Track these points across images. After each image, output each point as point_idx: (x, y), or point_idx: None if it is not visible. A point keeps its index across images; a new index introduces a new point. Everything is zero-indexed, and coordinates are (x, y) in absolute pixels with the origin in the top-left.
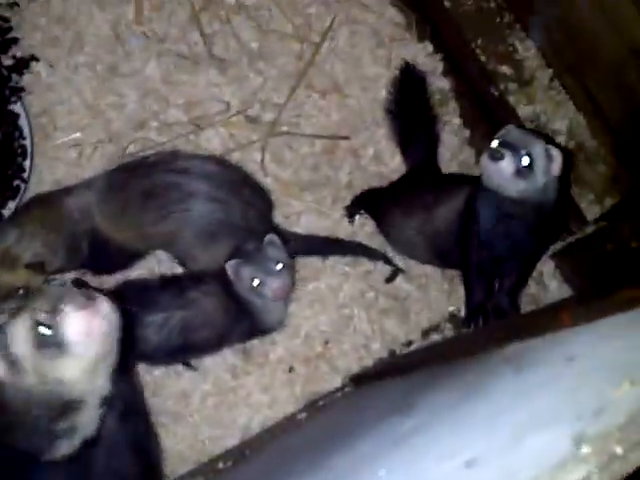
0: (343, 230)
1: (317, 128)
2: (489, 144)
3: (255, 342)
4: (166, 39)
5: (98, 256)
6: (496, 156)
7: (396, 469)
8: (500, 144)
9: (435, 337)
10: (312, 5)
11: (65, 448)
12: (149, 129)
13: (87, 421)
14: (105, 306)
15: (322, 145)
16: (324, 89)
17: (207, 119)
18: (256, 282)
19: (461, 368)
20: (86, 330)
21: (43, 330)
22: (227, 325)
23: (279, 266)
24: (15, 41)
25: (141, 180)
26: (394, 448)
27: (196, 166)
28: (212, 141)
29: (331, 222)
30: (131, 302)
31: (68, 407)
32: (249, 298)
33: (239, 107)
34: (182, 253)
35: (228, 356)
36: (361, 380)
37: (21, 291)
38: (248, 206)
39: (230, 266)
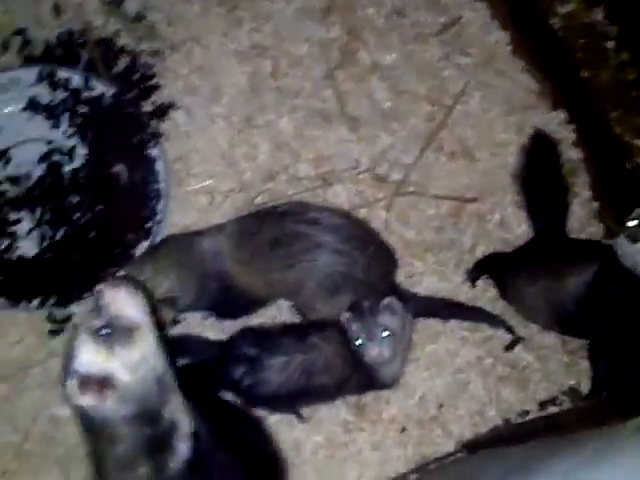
0: (464, 294)
1: (444, 190)
2: (621, 220)
3: (369, 399)
4: (300, 94)
5: (224, 299)
6: (636, 237)
7: None
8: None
9: (552, 409)
10: (446, 68)
11: None
12: (279, 181)
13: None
14: None
15: (448, 207)
16: (453, 152)
17: (336, 175)
18: (359, 342)
19: (581, 439)
20: None
21: None
22: (345, 373)
23: (385, 333)
24: (156, 88)
25: (271, 228)
26: None
27: (325, 218)
28: (339, 197)
29: (453, 285)
30: (253, 346)
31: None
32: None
33: (368, 165)
34: (304, 303)
35: (342, 411)
36: (475, 447)
37: None
38: (372, 262)
39: (343, 317)
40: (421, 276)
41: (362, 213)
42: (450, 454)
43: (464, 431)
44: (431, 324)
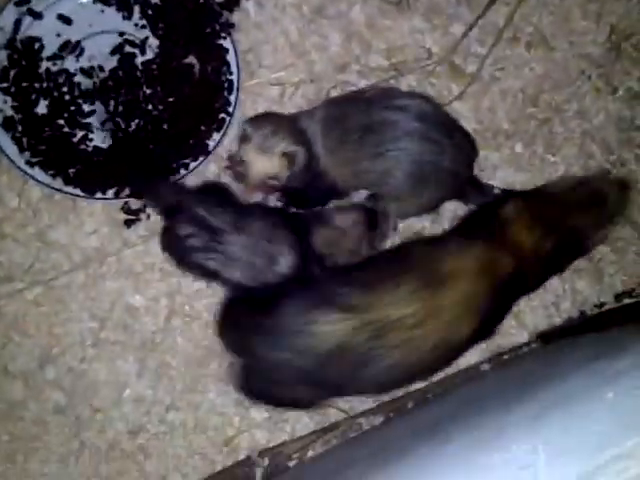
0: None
1: (520, 81)
2: None
3: None
4: None
5: (310, 185)
6: None
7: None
8: None
9: (628, 301)
10: None
11: None
12: (350, 72)
13: None
14: None
15: (523, 97)
16: (529, 41)
17: (408, 65)
18: None
19: None
20: None
21: None
22: None
23: None
24: None
25: (359, 115)
26: (612, 380)
27: (413, 105)
28: (412, 88)
29: (529, 176)
30: None
31: None
32: None
33: (441, 55)
34: (390, 193)
35: None
36: (549, 337)
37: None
38: (458, 151)
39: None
40: (495, 169)
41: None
42: (524, 344)
43: (539, 323)
44: None
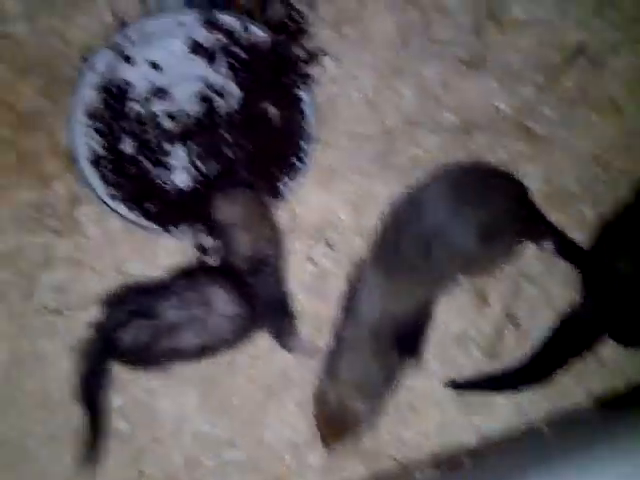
0: None
1: (589, 144)
2: None
3: None
4: (448, 43)
5: None
6: None
7: None
8: None
9: None
10: (598, 23)
11: None
12: (422, 127)
13: None
14: None
15: (591, 161)
16: (600, 106)
17: (479, 124)
18: None
19: None
20: None
21: None
22: None
23: None
24: (308, 35)
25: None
26: None
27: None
28: (482, 146)
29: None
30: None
31: None
32: None
33: (512, 116)
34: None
35: None
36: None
37: None
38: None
39: None
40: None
41: (503, 163)
42: (584, 408)
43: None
44: None
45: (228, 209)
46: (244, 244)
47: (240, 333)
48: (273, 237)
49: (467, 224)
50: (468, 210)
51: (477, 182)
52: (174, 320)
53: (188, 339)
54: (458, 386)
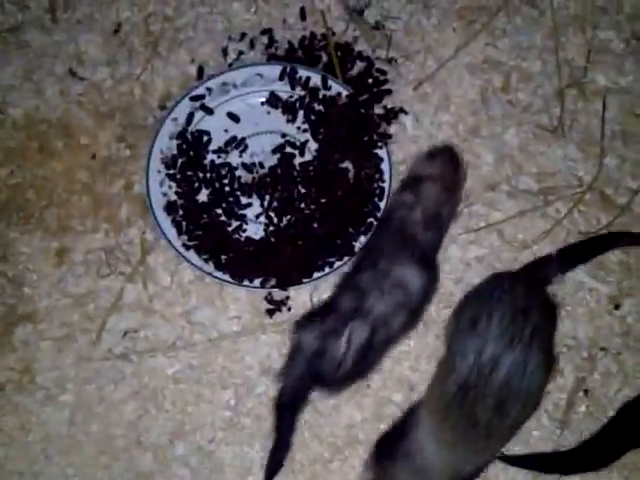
0: None
1: None
2: None
3: None
4: (529, 109)
5: None
6: None
7: None
8: None
9: None
10: None
11: None
12: (499, 192)
13: None
14: None
15: None
16: None
17: (558, 191)
18: None
19: None
20: None
21: None
22: None
23: None
24: (388, 93)
25: None
26: None
27: None
28: (560, 214)
29: None
30: None
31: None
32: None
33: (593, 185)
34: None
35: None
36: None
37: None
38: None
39: None
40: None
41: (582, 232)
42: None
43: None
44: None
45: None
46: None
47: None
48: None
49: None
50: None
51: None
52: (384, 310)
53: (398, 322)
54: (507, 460)
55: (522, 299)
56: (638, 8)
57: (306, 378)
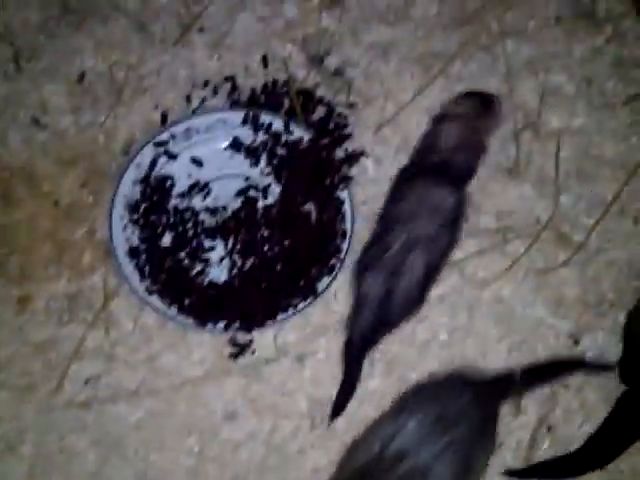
0: None
1: (625, 253)
2: None
3: None
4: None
5: None
6: None
7: None
8: None
9: None
10: (634, 135)
11: None
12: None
13: None
14: None
15: (630, 270)
16: (636, 217)
17: (516, 230)
18: None
19: None
20: None
21: None
22: None
23: None
24: (349, 137)
25: None
26: None
27: None
28: (518, 251)
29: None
30: None
31: None
32: None
33: (549, 223)
34: None
35: None
36: None
37: None
38: None
39: None
40: (595, 338)
41: (540, 269)
42: None
43: None
44: None
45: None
46: None
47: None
48: None
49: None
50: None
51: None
52: (432, 234)
53: (443, 243)
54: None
55: (459, 407)
56: (588, 53)
57: (374, 322)
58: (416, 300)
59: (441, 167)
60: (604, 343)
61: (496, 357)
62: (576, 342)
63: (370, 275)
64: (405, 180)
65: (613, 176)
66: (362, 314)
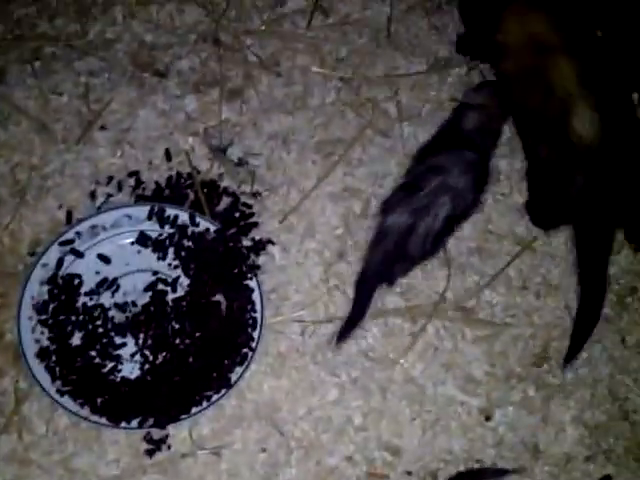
0: None
1: (530, 328)
2: None
3: None
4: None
5: None
6: None
7: None
8: None
9: None
10: None
11: None
12: (370, 316)
13: None
14: None
15: (534, 344)
16: (538, 291)
17: (423, 309)
18: None
19: None
20: None
21: None
22: None
23: None
24: (255, 225)
25: None
26: None
27: None
28: (428, 331)
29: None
30: None
31: None
32: None
33: (455, 308)
34: None
35: None
36: None
37: None
38: None
39: None
40: (505, 413)
41: (448, 347)
42: None
43: None
44: None
45: None
46: None
47: None
48: None
49: None
50: None
51: None
52: (464, 186)
53: (470, 199)
54: None
55: None
56: None
57: (393, 255)
58: (432, 245)
59: (467, 140)
60: (515, 417)
61: (411, 437)
62: (487, 418)
63: (397, 211)
64: (440, 141)
65: (513, 251)
66: (382, 245)
